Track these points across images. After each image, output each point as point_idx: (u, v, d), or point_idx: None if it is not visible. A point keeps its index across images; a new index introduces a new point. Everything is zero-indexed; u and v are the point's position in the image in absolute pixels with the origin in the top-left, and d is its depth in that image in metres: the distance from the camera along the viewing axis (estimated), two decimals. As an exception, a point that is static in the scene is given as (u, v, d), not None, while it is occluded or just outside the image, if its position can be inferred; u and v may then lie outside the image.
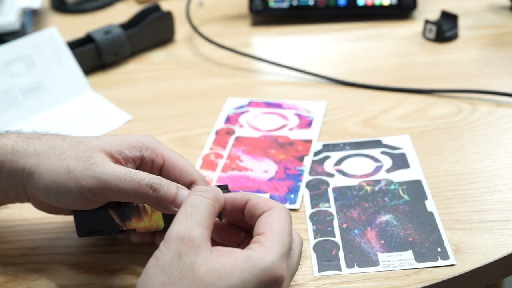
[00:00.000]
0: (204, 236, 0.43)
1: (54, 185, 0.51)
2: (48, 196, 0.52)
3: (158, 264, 0.42)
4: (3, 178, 0.53)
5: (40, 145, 0.53)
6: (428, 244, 0.55)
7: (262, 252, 0.43)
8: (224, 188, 0.50)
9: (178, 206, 0.49)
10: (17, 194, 0.54)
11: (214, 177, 0.66)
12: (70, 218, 0.62)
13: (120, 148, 0.53)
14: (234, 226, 0.51)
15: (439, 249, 0.55)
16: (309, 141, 0.70)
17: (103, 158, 0.51)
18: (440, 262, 0.54)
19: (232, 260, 0.43)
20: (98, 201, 0.51)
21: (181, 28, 0.95)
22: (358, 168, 0.65)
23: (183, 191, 0.50)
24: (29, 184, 0.52)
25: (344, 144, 0.69)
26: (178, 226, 0.44)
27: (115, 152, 0.53)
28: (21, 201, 0.55)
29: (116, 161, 0.53)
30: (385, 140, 0.69)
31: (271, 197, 0.62)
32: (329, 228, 0.58)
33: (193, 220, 0.44)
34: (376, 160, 0.66)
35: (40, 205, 0.54)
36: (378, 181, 0.63)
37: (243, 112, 0.76)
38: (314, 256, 0.55)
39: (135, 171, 0.50)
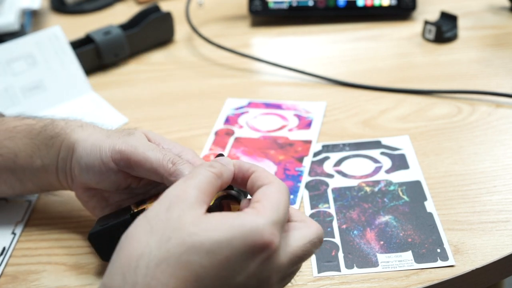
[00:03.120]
0: (199, 198, 0.42)
1: (91, 148, 0.53)
2: (81, 167, 0.54)
3: (145, 215, 0.41)
4: (62, 151, 0.56)
5: (86, 124, 0.57)
6: (428, 245, 0.55)
7: (254, 214, 0.41)
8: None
9: None
10: (64, 172, 0.56)
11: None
12: (70, 219, 0.62)
13: (160, 142, 0.55)
14: None
15: (438, 250, 0.55)
16: (308, 142, 0.70)
17: (142, 136, 0.54)
18: (439, 262, 0.54)
19: (222, 217, 0.41)
20: (121, 165, 0.52)
21: (180, 29, 0.95)
22: (358, 168, 0.65)
23: None
24: (73, 157, 0.55)
25: (344, 144, 0.69)
26: (174, 187, 0.43)
27: (154, 140, 0.55)
28: (67, 182, 0.57)
29: None
30: (384, 141, 0.69)
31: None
32: (329, 229, 0.58)
33: (190, 183, 0.43)
34: (375, 160, 0.66)
35: (80, 192, 0.56)
36: (377, 182, 0.63)
37: (242, 113, 0.76)
38: (313, 256, 0.55)
39: (164, 148, 0.52)
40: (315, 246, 0.45)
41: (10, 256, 0.58)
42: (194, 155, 0.54)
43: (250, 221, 0.41)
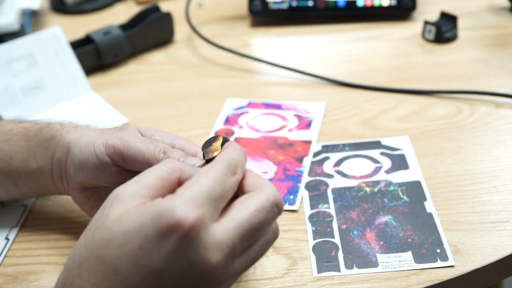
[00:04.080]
0: (137, 192, 0.41)
1: (85, 145, 0.53)
2: (76, 165, 0.54)
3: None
4: (57, 152, 0.56)
5: (81, 125, 0.58)
6: (428, 245, 0.55)
7: (167, 198, 0.40)
8: (226, 140, 0.49)
9: None
10: (59, 174, 0.56)
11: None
12: (70, 219, 0.62)
13: (153, 133, 0.55)
14: None
15: (438, 250, 0.55)
16: (308, 142, 0.70)
17: (134, 130, 0.54)
18: (439, 263, 0.54)
19: (141, 207, 0.40)
20: (115, 159, 0.52)
21: (180, 29, 0.95)
22: (358, 169, 0.65)
23: (188, 159, 0.50)
24: (68, 157, 0.55)
25: (344, 145, 0.69)
26: (123, 184, 0.43)
27: (146, 133, 0.55)
28: (62, 185, 0.57)
29: None
30: (384, 141, 0.69)
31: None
32: (329, 229, 0.58)
33: (135, 179, 0.43)
34: (375, 161, 0.66)
35: (76, 193, 0.56)
36: (377, 182, 0.63)
37: (242, 113, 0.76)
38: (313, 257, 0.55)
39: (156, 140, 0.52)
40: (268, 212, 0.42)
41: (4, 258, 0.58)
42: (186, 141, 0.53)
43: (159, 204, 0.40)
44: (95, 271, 0.40)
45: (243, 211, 0.42)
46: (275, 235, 0.45)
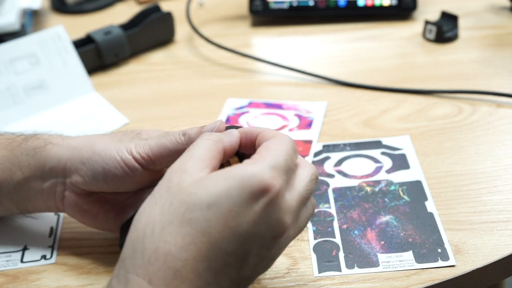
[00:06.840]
0: (197, 165, 0.43)
1: (104, 154, 0.51)
2: (95, 174, 0.52)
3: (152, 193, 0.43)
4: (52, 160, 0.53)
5: (76, 139, 0.54)
6: (428, 245, 0.55)
7: (250, 164, 0.42)
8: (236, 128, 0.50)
9: None
10: (55, 183, 0.54)
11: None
12: (70, 219, 0.62)
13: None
14: None
15: (439, 250, 0.55)
16: (309, 142, 0.70)
17: (147, 131, 0.54)
18: (440, 262, 0.54)
19: (220, 172, 0.42)
20: (144, 165, 0.51)
21: (181, 29, 0.95)
22: (358, 168, 0.65)
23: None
24: (79, 166, 0.52)
25: (344, 144, 0.69)
26: (174, 163, 0.44)
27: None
28: (56, 206, 0.55)
29: None
30: (385, 141, 0.69)
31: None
32: (329, 229, 0.58)
33: (188, 155, 0.44)
34: (376, 160, 0.66)
35: (75, 210, 0.55)
36: (378, 182, 0.63)
37: (243, 113, 0.76)
38: (314, 256, 0.55)
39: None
40: (314, 183, 0.47)
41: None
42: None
43: (246, 169, 0.42)
44: (181, 234, 0.40)
45: (302, 182, 0.45)
46: (314, 208, 0.48)
